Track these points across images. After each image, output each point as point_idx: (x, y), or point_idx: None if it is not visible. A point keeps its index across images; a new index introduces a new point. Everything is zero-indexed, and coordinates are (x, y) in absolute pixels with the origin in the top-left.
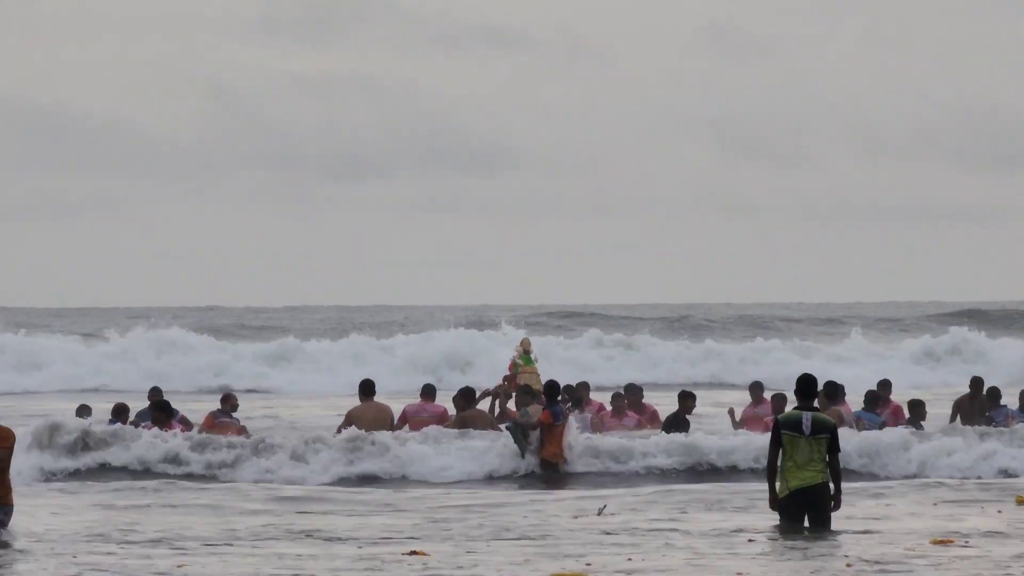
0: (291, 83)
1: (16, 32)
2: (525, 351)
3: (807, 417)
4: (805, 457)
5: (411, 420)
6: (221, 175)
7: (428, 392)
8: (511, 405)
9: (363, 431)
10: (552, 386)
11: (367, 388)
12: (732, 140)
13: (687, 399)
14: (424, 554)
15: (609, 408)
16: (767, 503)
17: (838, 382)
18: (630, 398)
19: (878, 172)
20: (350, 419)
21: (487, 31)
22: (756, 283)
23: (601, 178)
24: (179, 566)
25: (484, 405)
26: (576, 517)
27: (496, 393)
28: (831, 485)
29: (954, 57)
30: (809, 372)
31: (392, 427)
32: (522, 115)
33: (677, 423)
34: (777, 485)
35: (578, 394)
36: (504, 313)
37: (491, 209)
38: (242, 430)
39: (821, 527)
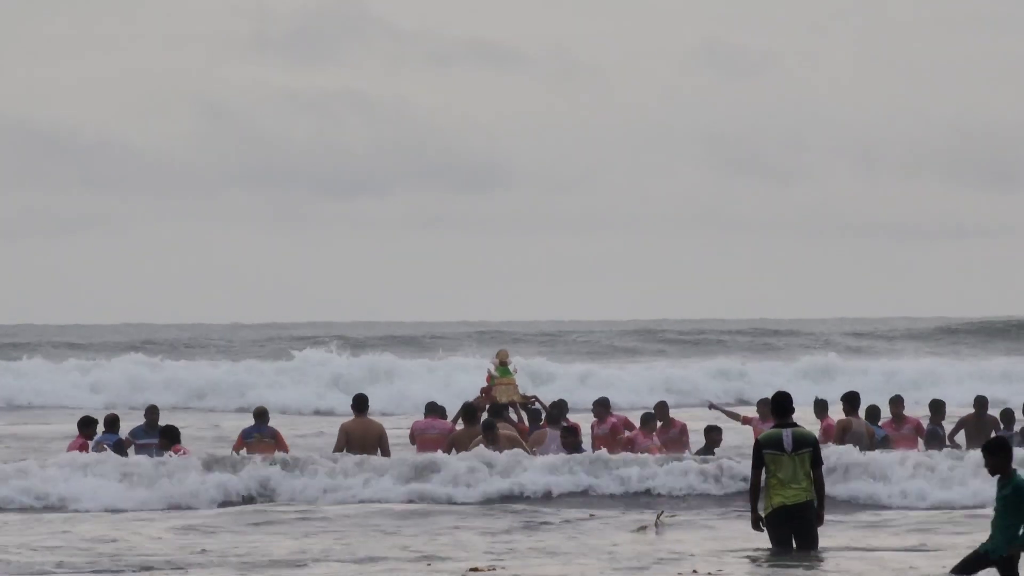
0: (284, 100)
1: (9, 50)
2: (502, 363)
3: (787, 434)
4: (789, 474)
5: (419, 437)
6: (214, 192)
7: (434, 409)
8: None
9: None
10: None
11: (359, 403)
12: (727, 157)
13: (713, 432)
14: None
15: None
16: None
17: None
18: (658, 415)
19: (874, 189)
20: (344, 434)
21: (480, 49)
22: (751, 300)
23: (595, 195)
24: None
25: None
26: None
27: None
28: (815, 503)
29: (950, 74)
30: (784, 390)
31: (380, 444)
32: (515, 132)
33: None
34: (760, 503)
35: (555, 411)
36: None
37: (484, 226)
38: (275, 447)
39: (808, 546)
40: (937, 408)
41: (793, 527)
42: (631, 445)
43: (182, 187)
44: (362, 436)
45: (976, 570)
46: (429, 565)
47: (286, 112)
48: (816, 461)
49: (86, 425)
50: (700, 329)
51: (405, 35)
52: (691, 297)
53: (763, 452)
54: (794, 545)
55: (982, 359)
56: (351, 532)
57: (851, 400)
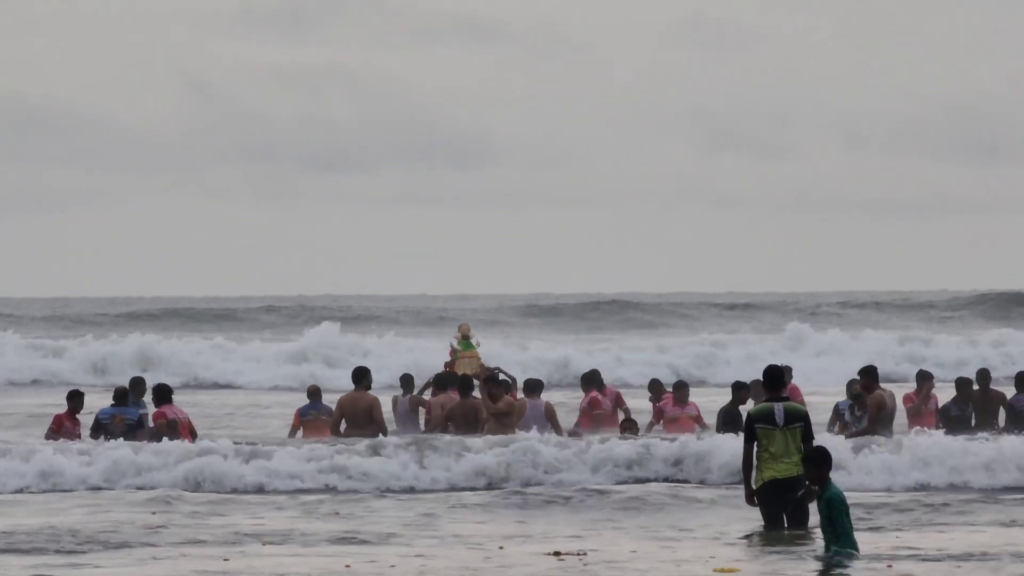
0: (270, 76)
1: None
2: (464, 336)
3: (779, 408)
4: (780, 448)
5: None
6: (201, 168)
7: (408, 383)
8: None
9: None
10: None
11: (356, 376)
12: (713, 132)
13: (741, 390)
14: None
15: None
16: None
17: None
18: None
19: (860, 164)
20: (340, 409)
21: (466, 24)
22: (737, 274)
23: (582, 170)
24: None
25: (428, 395)
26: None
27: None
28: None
29: (935, 49)
30: (775, 364)
31: (374, 418)
32: (502, 108)
33: (733, 418)
34: (753, 476)
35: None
36: (484, 303)
37: (471, 201)
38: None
39: (799, 521)
40: (962, 387)
41: (785, 502)
42: (609, 420)
43: (168, 162)
44: (352, 409)
45: None
46: (502, 548)
47: (272, 88)
48: (808, 435)
49: (72, 398)
50: (679, 302)
51: (390, 10)
52: (675, 271)
53: (755, 426)
54: (785, 522)
55: (975, 332)
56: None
57: (874, 374)
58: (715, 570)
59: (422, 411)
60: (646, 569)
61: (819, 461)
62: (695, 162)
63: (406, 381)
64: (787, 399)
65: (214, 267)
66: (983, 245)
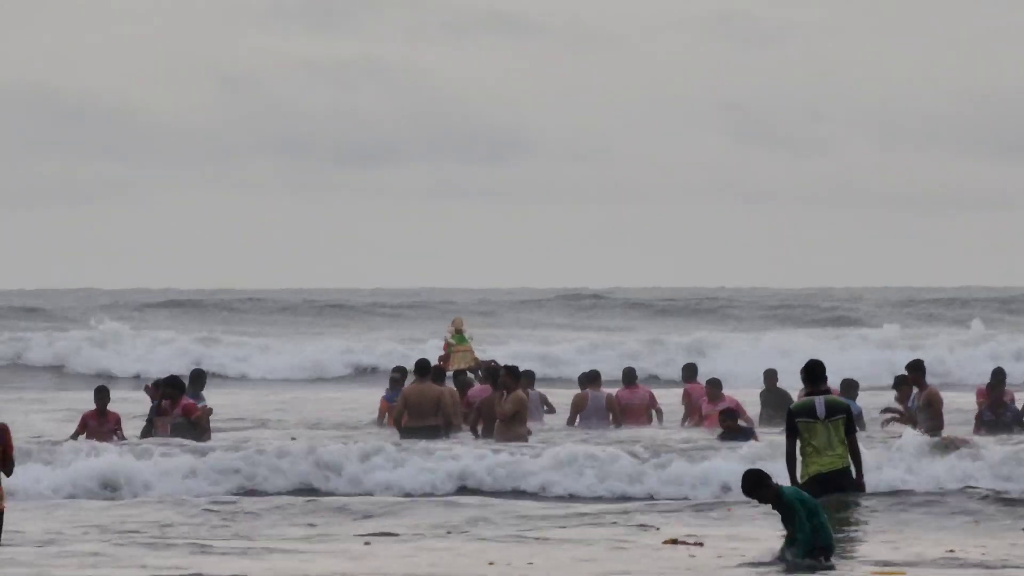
0: (302, 68)
1: (29, 17)
2: (457, 330)
3: (820, 401)
4: (823, 441)
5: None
6: (233, 161)
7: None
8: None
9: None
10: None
11: (420, 368)
12: (747, 126)
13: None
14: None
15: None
16: None
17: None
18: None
19: (892, 159)
20: (405, 399)
21: (499, 17)
22: (769, 269)
23: (614, 165)
24: None
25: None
26: None
27: None
28: (852, 469)
29: (970, 45)
30: (817, 358)
31: (440, 409)
32: (535, 102)
33: (777, 397)
34: (798, 471)
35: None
36: (513, 297)
37: (503, 195)
38: None
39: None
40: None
41: (829, 495)
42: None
43: (200, 155)
44: (418, 400)
45: None
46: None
47: (304, 80)
48: (850, 428)
49: (97, 394)
50: (715, 296)
51: (423, 4)
52: (707, 267)
53: (796, 421)
54: None
55: (1003, 331)
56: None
57: (922, 368)
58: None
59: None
60: None
61: (753, 489)
62: (728, 156)
63: (402, 374)
64: (828, 392)
65: (246, 259)
66: (1017, 240)
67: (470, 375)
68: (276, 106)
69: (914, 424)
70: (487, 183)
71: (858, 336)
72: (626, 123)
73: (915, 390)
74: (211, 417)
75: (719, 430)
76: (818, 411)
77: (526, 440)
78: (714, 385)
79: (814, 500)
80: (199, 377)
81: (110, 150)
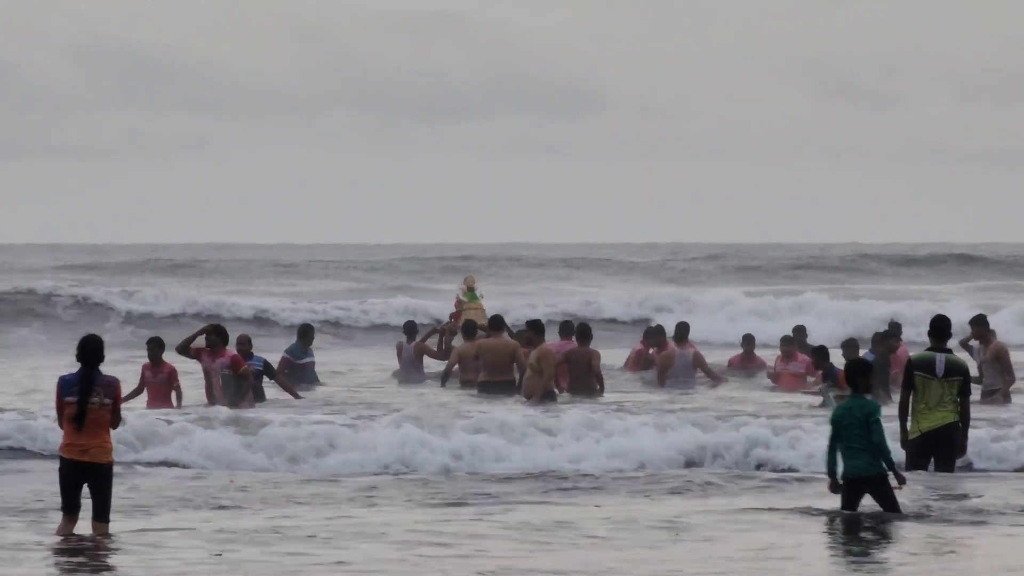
0: (378, 22)
1: None
2: (470, 288)
3: (940, 359)
4: (936, 398)
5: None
6: (311, 115)
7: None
8: (456, 342)
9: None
10: (497, 319)
11: (494, 323)
12: (825, 82)
13: (887, 338)
14: None
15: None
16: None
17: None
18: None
19: (970, 115)
20: (478, 350)
21: None
22: (845, 224)
23: (691, 121)
24: None
25: (432, 342)
26: None
27: (443, 330)
28: (960, 425)
29: None
30: (943, 314)
31: (517, 365)
32: (613, 57)
33: (884, 365)
34: (908, 425)
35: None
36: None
37: (581, 150)
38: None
39: (945, 468)
40: None
41: (936, 449)
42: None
43: (279, 110)
44: (495, 356)
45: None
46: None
47: (382, 35)
48: (964, 390)
49: (149, 345)
50: (797, 255)
51: None
52: (787, 221)
53: (914, 373)
54: (931, 468)
55: None
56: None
57: (986, 322)
58: None
59: (427, 359)
60: None
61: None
62: (806, 112)
63: (410, 328)
64: (950, 351)
65: (323, 213)
66: None
67: (480, 332)
68: (353, 61)
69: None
70: (565, 138)
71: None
72: (704, 79)
73: (976, 344)
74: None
75: (791, 389)
76: (937, 368)
77: (553, 395)
78: (788, 343)
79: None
80: (307, 332)
81: (187, 104)
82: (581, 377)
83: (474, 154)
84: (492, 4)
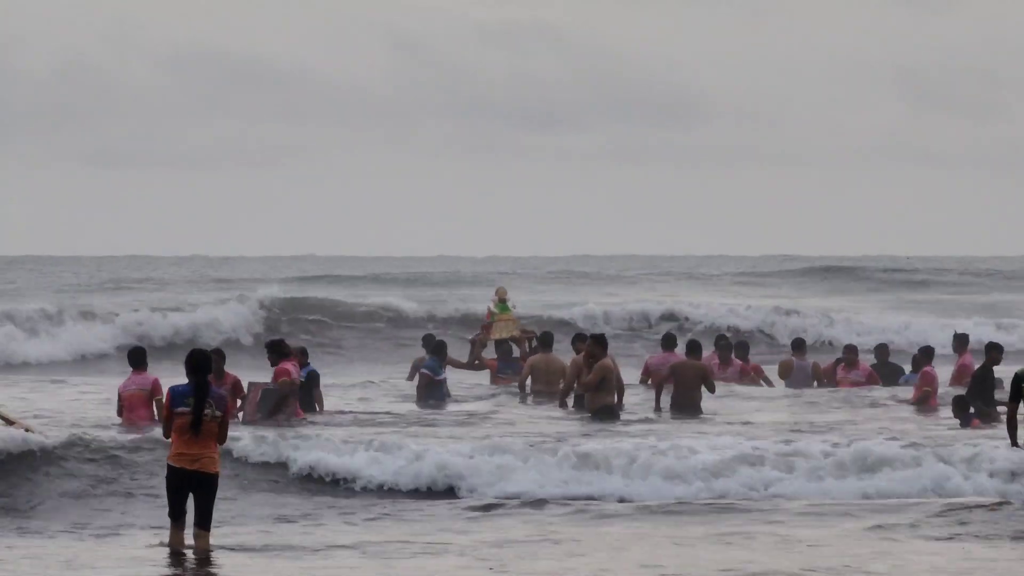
0: (475, 32)
1: None
2: (501, 300)
3: None
4: None
5: (653, 373)
6: (408, 124)
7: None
8: (487, 353)
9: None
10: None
11: (544, 340)
12: (921, 92)
13: (993, 351)
14: None
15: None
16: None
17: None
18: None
19: None
20: (531, 368)
21: None
22: (943, 235)
23: (790, 129)
24: None
25: (463, 354)
26: None
27: (474, 341)
28: None
29: None
30: None
31: (566, 378)
32: (711, 67)
33: (984, 380)
34: (1019, 433)
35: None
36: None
37: (679, 160)
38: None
39: None
40: None
41: None
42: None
43: (375, 118)
44: (546, 370)
45: None
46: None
47: (479, 44)
48: None
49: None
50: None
51: None
52: (883, 231)
53: (1021, 386)
54: None
55: None
56: None
57: None
58: None
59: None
60: None
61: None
62: (903, 121)
63: (428, 342)
64: None
65: (422, 223)
66: None
67: (512, 344)
68: (451, 69)
69: None
70: (663, 148)
71: None
72: (803, 88)
73: None
74: None
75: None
76: None
77: (615, 411)
78: (851, 351)
79: None
80: (441, 348)
81: (286, 113)
82: (688, 391)
83: (571, 163)
84: (589, 13)
